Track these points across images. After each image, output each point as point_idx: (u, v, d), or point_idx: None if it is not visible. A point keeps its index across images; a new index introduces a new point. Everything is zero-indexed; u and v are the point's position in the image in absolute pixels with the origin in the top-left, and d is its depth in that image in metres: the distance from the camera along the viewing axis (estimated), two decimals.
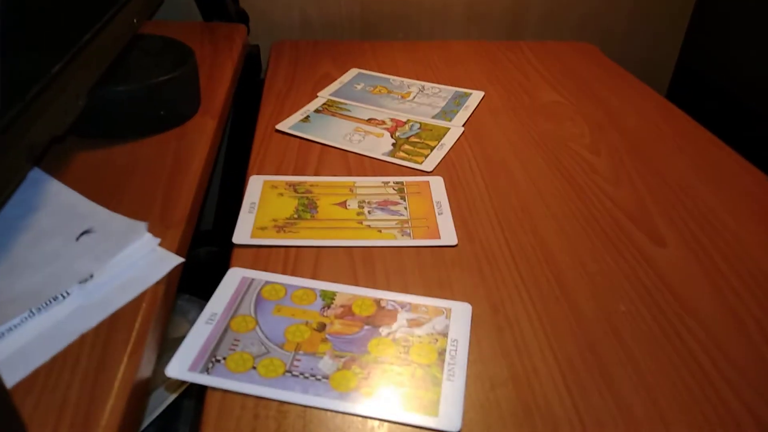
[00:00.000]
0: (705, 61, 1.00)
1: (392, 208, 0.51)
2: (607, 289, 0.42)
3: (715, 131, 0.63)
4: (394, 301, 0.40)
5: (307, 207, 0.50)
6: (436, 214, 0.50)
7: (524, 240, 0.47)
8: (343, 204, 0.51)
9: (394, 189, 0.54)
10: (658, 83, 1.02)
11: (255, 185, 0.53)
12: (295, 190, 0.53)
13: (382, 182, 0.54)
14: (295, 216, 0.49)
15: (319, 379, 0.35)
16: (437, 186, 0.54)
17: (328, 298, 0.41)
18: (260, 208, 0.50)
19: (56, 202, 0.45)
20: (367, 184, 0.54)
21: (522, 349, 0.37)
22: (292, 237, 0.47)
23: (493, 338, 0.38)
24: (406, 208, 0.51)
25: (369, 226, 0.48)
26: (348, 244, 0.46)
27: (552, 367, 0.36)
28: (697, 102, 1.01)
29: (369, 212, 0.50)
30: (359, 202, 0.51)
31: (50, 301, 0.36)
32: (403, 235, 0.47)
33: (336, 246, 0.46)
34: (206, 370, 0.35)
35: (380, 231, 0.48)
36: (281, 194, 0.52)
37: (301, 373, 0.35)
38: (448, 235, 0.48)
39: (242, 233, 0.47)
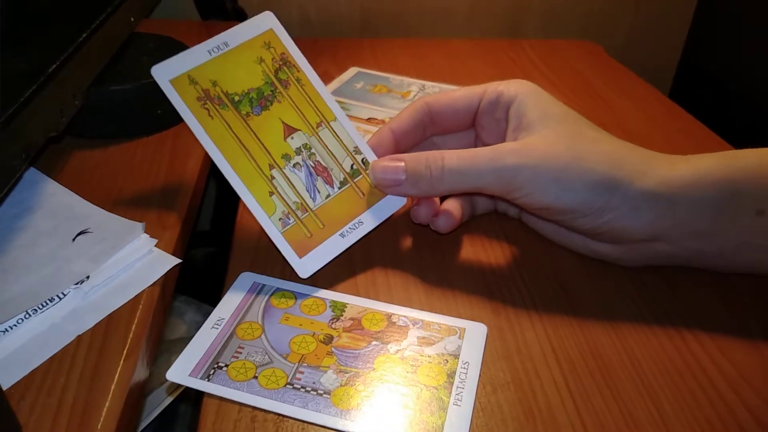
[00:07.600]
0: (709, 59, 1.00)
1: None
2: (607, 290, 0.42)
3: (719, 131, 0.62)
4: (406, 317, 0.39)
5: None
6: None
7: (524, 241, 0.47)
8: None
9: None
10: (662, 82, 1.01)
11: None
12: None
13: None
14: None
15: (320, 394, 0.34)
16: None
17: (338, 309, 0.39)
18: None
19: (53, 203, 0.45)
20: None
21: (524, 351, 0.37)
22: None
23: (494, 340, 0.38)
24: None
25: None
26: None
27: (554, 370, 0.36)
28: (701, 101, 1.00)
29: None
30: None
31: (46, 303, 0.36)
32: None
33: None
34: (207, 376, 0.34)
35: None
36: None
37: (303, 387, 0.34)
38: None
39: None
